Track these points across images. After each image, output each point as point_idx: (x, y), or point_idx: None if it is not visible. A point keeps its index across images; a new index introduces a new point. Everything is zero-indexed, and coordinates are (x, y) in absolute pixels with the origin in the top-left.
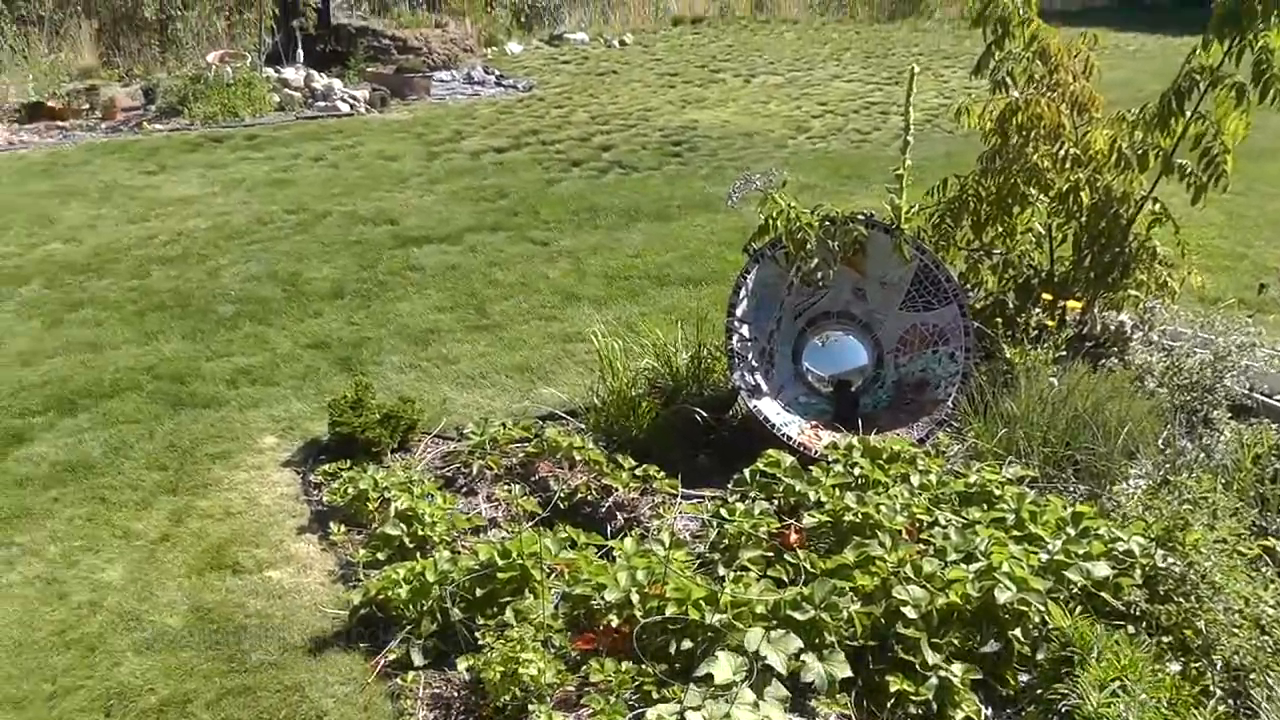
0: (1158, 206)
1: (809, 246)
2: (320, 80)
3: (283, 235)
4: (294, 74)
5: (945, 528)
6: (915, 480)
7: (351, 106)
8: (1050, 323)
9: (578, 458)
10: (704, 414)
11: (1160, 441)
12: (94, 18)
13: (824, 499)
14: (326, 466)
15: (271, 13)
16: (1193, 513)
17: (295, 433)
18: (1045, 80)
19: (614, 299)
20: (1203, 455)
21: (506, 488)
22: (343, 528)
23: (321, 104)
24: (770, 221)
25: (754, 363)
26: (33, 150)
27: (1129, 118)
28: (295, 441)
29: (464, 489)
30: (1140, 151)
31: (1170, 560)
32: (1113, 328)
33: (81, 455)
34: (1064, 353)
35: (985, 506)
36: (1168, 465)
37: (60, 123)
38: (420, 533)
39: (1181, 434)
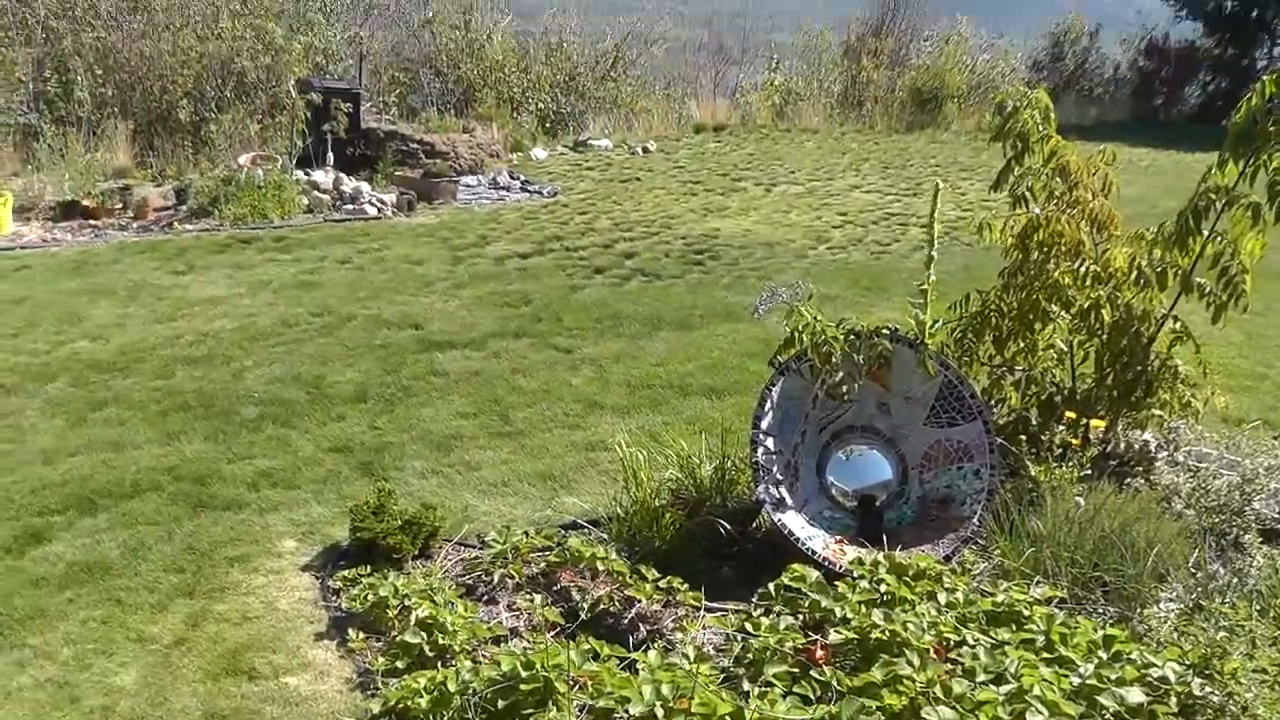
0: (1178, 325)
1: (834, 360)
2: (349, 183)
3: (307, 338)
4: (323, 177)
5: (974, 647)
6: (942, 598)
7: (379, 210)
8: (1074, 441)
9: (601, 568)
10: (728, 526)
11: (1190, 565)
12: (130, 119)
13: (850, 615)
14: (346, 572)
15: (304, 117)
16: (1230, 640)
17: (315, 537)
18: (1065, 197)
19: (637, 408)
20: (1235, 580)
21: (528, 597)
22: (362, 635)
23: (349, 207)
24: (796, 334)
25: (779, 476)
26: (65, 248)
27: (1148, 236)
28: (315, 546)
29: (485, 597)
30: (1159, 270)
31: (1208, 689)
32: (1137, 447)
33: (99, 556)
34: (1088, 471)
35: (1014, 627)
36: (1199, 590)
37: (93, 221)
38: (441, 641)
39: (1212, 557)
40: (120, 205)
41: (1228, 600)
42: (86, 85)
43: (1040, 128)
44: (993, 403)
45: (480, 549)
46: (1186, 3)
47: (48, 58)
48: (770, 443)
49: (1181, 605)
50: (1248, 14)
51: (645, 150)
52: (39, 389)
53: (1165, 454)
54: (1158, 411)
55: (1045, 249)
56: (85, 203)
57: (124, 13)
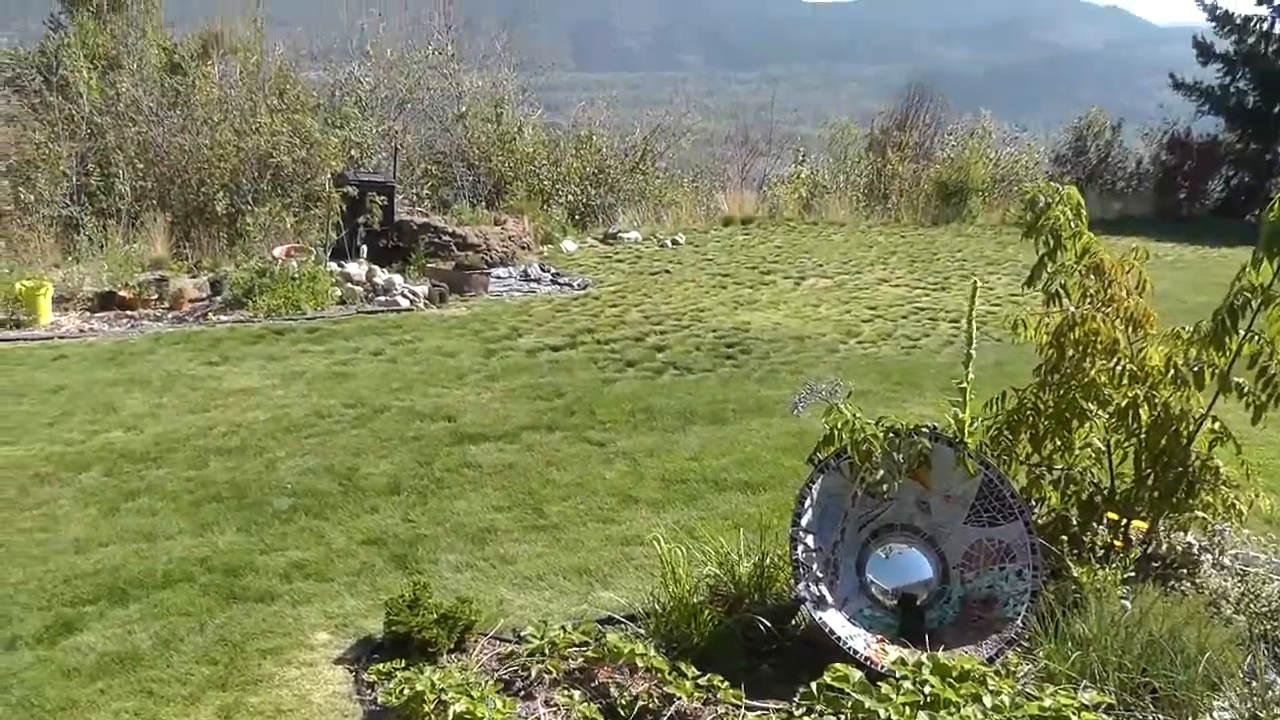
0: (1217, 425)
1: (874, 458)
2: (382, 275)
3: (340, 429)
4: (356, 269)
5: None
6: (988, 701)
7: (411, 301)
8: (1117, 542)
9: (639, 664)
10: (767, 624)
11: (1244, 672)
12: (168, 211)
13: (895, 717)
14: (381, 666)
15: (339, 209)
16: None
17: (349, 630)
18: (1099, 295)
19: (672, 502)
20: None
21: (566, 693)
22: None
23: (382, 298)
24: (835, 432)
25: (818, 573)
26: (102, 338)
27: (1184, 335)
28: (349, 639)
29: (522, 693)
30: (1196, 369)
31: None
32: (1180, 549)
33: (131, 647)
34: (1132, 573)
35: None
36: (1255, 700)
37: (130, 312)
38: None
39: (1267, 665)
40: (156, 296)
41: None
42: (127, 179)
43: (1072, 224)
44: (1032, 501)
45: (517, 644)
46: (1208, 97)
47: (91, 152)
48: (810, 540)
49: (1236, 715)
50: (1270, 109)
51: (674, 243)
52: (73, 478)
53: (1210, 557)
54: (1201, 513)
55: (1081, 347)
56: (122, 293)
57: (165, 108)
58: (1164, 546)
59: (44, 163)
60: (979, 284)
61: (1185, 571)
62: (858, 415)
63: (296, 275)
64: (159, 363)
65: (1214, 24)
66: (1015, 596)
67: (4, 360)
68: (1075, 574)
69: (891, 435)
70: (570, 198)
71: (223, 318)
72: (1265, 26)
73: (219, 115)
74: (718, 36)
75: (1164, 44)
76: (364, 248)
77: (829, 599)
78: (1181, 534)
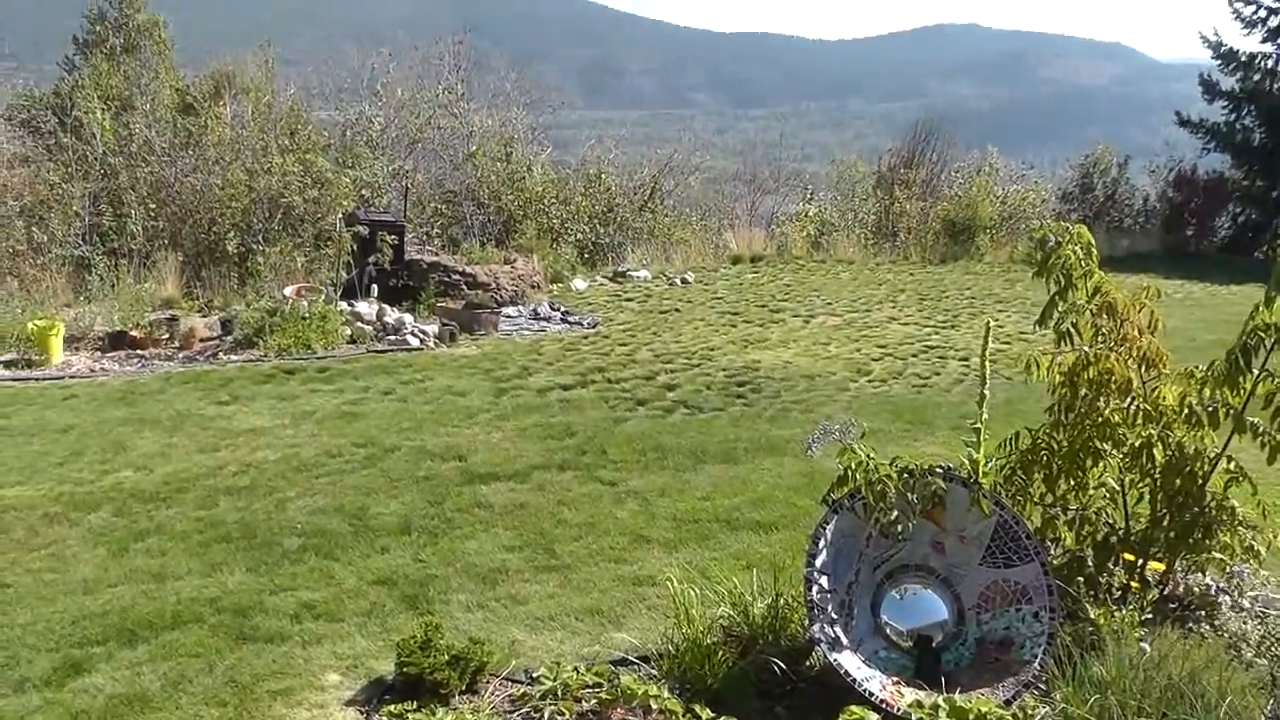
0: (1232, 465)
1: (888, 499)
2: (392, 314)
3: (351, 469)
4: (367, 308)
5: None
6: None
7: (421, 341)
8: (1134, 584)
9: (653, 706)
10: (781, 665)
11: (1266, 717)
12: (179, 250)
13: None
14: (392, 707)
15: (349, 249)
16: None
17: (359, 671)
18: (1112, 334)
19: (684, 542)
20: None
21: None
22: None
23: (392, 338)
24: (850, 472)
25: (833, 614)
26: (112, 378)
27: (1198, 374)
28: (359, 680)
29: None
30: (1210, 409)
31: None
32: (1198, 591)
33: (139, 688)
34: (1149, 615)
35: None
36: None
37: (140, 351)
38: None
39: None
40: (167, 335)
41: None
42: (139, 218)
43: (1083, 263)
44: (1047, 542)
45: (529, 685)
46: (1214, 134)
47: (103, 192)
48: (824, 580)
49: None
50: (1276, 146)
51: (684, 281)
52: (82, 518)
53: (1229, 599)
54: (1218, 554)
55: (1095, 387)
56: (133, 333)
57: (177, 148)
58: (1181, 588)
59: (57, 203)
60: (988, 324)
61: (1204, 613)
62: (871, 455)
63: (307, 315)
64: (169, 402)
65: (1219, 61)
66: (1032, 638)
67: (15, 400)
68: (1092, 615)
69: (905, 476)
70: (580, 236)
71: (233, 357)
72: (1270, 64)
73: (231, 155)
74: (726, 74)
75: (1169, 80)
76: (374, 287)
77: (844, 640)
78: (1199, 575)
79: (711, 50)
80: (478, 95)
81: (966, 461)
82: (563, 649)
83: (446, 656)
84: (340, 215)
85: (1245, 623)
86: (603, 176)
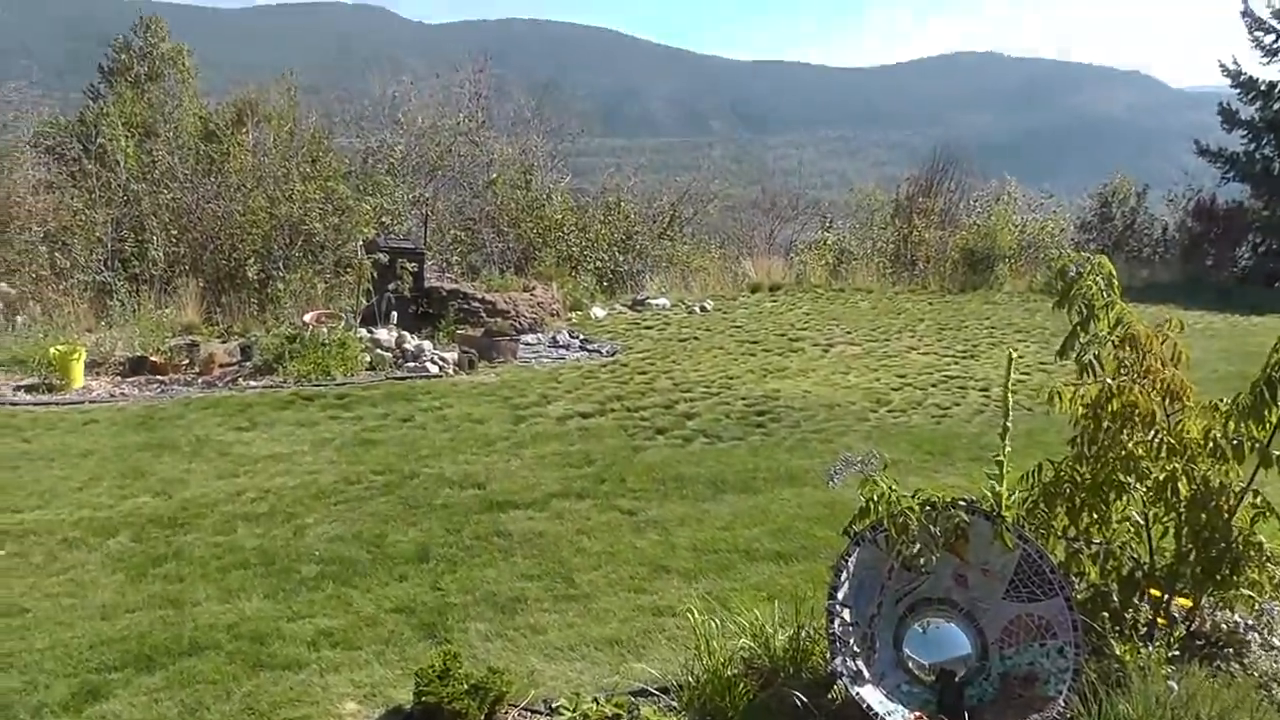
0: (1259, 499)
1: (911, 531)
2: (412, 341)
3: (369, 496)
4: (386, 335)
5: None
6: None
7: (441, 368)
8: (1160, 620)
9: None
10: (803, 698)
11: None
12: (199, 276)
13: None
14: None
15: (370, 276)
16: None
17: (377, 699)
18: (1135, 366)
19: (703, 572)
20: None
21: None
22: None
23: (411, 364)
24: (871, 505)
25: (855, 648)
26: (132, 403)
27: (1222, 407)
28: (377, 709)
29: None
30: (1235, 442)
31: None
32: (1226, 628)
33: (157, 715)
34: (1176, 652)
35: None
36: None
37: (160, 377)
38: None
39: None
40: (187, 361)
41: None
42: (161, 244)
43: (1104, 294)
44: (1071, 576)
45: (549, 716)
46: (1233, 164)
47: (126, 218)
48: (846, 613)
49: None
50: None
51: (703, 309)
52: (101, 543)
53: (1258, 637)
54: (1246, 591)
55: (1118, 419)
56: (153, 358)
57: (199, 175)
58: (1209, 625)
59: (80, 229)
60: (1005, 354)
61: (1231, 651)
62: (893, 487)
63: (326, 341)
64: (189, 428)
65: (1238, 90)
66: (1056, 674)
67: (36, 424)
68: (1118, 652)
69: (928, 508)
70: (599, 264)
71: (252, 383)
72: None
73: (252, 182)
74: (744, 102)
75: (1188, 109)
76: (394, 314)
77: (866, 674)
78: (1227, 612)
79: (730, 78)
80: (497, 123)
81: (989, 494)
82: (582, 679)
83: (465, 686)
84: (360, 242)
85: (1276, 661)
86: (621, 204)
